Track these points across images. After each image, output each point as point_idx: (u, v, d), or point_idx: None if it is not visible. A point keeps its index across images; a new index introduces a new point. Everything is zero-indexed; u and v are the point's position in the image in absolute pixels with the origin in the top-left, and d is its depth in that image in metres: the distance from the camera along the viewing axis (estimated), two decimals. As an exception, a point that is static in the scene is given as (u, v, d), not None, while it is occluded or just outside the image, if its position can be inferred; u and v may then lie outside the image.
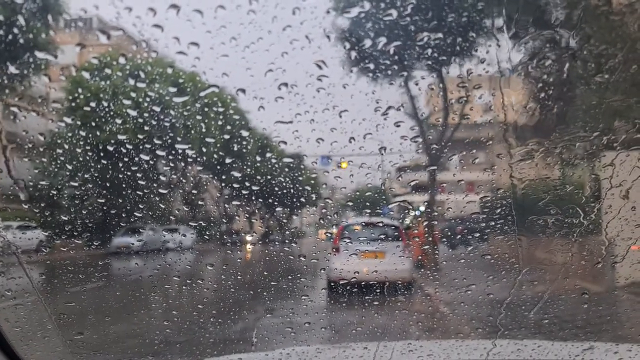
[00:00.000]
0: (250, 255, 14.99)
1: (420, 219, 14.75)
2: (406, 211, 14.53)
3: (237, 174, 6.65)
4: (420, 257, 13.48)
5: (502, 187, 6.41)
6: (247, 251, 17.21)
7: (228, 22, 4.71)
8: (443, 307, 8.57)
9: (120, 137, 9.33)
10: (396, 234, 12.35)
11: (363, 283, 7.95)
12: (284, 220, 27.29)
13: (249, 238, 22.89)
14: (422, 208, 15.52)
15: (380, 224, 12.44)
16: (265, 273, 8.39)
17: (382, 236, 11.84)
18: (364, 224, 12.51)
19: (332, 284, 9.98)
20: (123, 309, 8.33)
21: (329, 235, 12.09)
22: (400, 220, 14.54)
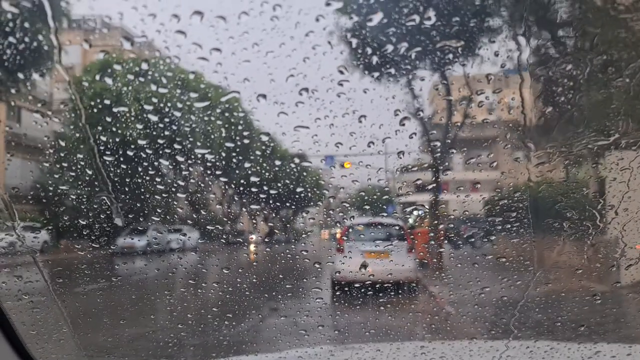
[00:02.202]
0: (262, 257, 15.00)
1: (436, 221, 14.70)
2: (420, 212, 14.50)
3: (246, 176, 6.69)
4: (435, 259, 13.44)
5: (519, 190, 6.36)
6: (255, 252, 17.23)
7: (251, 28, 4.73)
8: (458, 309, 8.53)
9: (127, 139, 9.40)
10: (402, 233, 12.31)
11: (377, 285, 7.94)
12: (298, 223, 27.38)
13: (258, 239, 23.00)
14: (437, 209, 15.50)
15: (388, 224, 12.42)
16: (280, 275, 8.39)
17: (389, 236, 11.83)
18: (373, 224, 12.49)
19: (338, 284, 9.94)
20: (137, 310, 8.37)
21: (345, 236, 12.05)
22: (410, 220, 14.53)
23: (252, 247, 19.44)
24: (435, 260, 13.60)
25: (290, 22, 4.96)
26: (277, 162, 9.30)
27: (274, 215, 27.66)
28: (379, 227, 12.65)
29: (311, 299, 8.64)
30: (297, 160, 8.85)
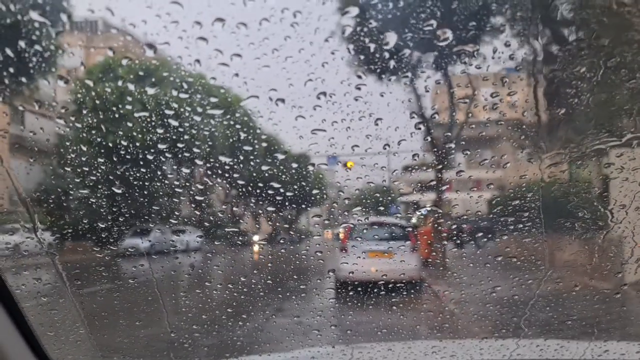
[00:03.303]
0: (274, 258, 15.06)
1: (449, 222, 14.67)
2: (434, 212, 14.47)
3: (258, 179, 6.77)
4: (447, 259, 13.45)
5: (531, 189, 6.39)
6: (270, 253, 17.29)
7: (271, 34, 4.79)
8: (469, 308, 8.54)
9: (133, 140, 9.49)
10: (415, 233, 12.32)
11: (390, 285, 7.98)
12: (309, 224, 27.39)
13: (270, 240, 23.03)
14: (450, 209, 15.50)
15: (395, 225, 12.43)
16: (295, 276, 8.46)
17: (403, 236, 11.85)
18: (386, 224, 12.51)
19: (346, 284, 9.94)
20: (152, 312, 8.44)
21: (356, 237, 12.04)
22: (423, 220, 14.51)
23: (258, 248, 19.52)
24: (447, 259, 13.61)
25: (310, 28, 5.02)
26: (289, 164, 9.37)
27: (287, 216, 27.74)
28: (393, 227, 12.68)
29: (324, 299, 8.71)
30: (306, 161, 8.93)
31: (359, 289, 8.41)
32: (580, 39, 10.12)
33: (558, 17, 10.83)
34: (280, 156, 6.38)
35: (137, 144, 9.92)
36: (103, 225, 10.42)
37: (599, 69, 7.10)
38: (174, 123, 6.50)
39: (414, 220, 15.45)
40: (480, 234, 11.70)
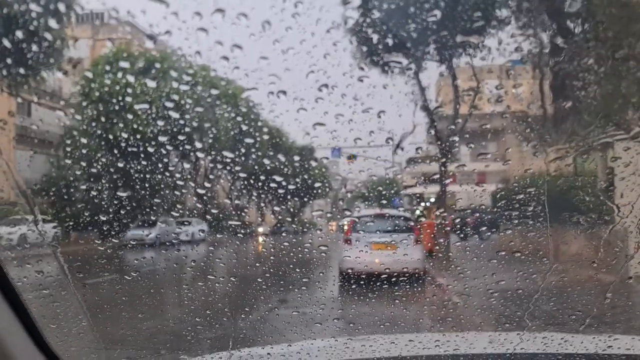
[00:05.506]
0: (278, 250, 15.05)
1: (453, 215, 14.66)
2: (438, 205, 14.42)
3: (266, 172, 6.77)
4: (451, 252, 13.44)
5: (536, 183, 6.35)
6: (272, 245, 17.27)
7: (272, 25, 4.76)
8: (472, 301, 8.51)
9: (148, 135, 9.46)
10: (410, 225, 12.28)
11: (393, 277, 7.97)
12: (314, 217, 27.41)
13: (267, 232, 23.10)
14: (454, 202, 15.48)
15: (399, 217, 12.42)
16: (297, 269, 8.43)
17: (398, 228, 11.83)
18: (387, 216, 12.50)
19: (350, 276, 9.91)
20: (155, 304, 8.44)
21: (359, 229, 11.97)
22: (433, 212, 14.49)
23: (261, 240, 19.56)
24: (451, 252, 13.62)
25: (312, 19, 4.98)
26: (292, 157, 9.35)
27: (289, 209, 27.76)
28: (397, 219, 12.67)
29: (327, 291, 8.70)
30: (309, 154, 8.95)
31: (362, 281, 8.41)
32: (587, 30, 10.07)
33: (564, 8, 10.76)
34: (283, 149, 6.36)
35: (139, 136, 9.90)
36: (105, 218, 10.40)
37: (606, 61, 7.05)
38: (175, 115, 6.47)
39: (417, 212, 15.45)
40: (484, 227, 11.69)
